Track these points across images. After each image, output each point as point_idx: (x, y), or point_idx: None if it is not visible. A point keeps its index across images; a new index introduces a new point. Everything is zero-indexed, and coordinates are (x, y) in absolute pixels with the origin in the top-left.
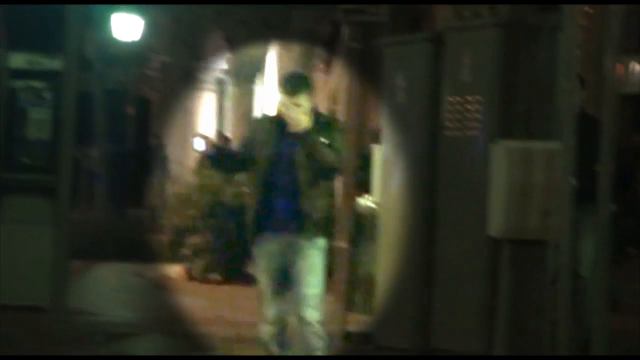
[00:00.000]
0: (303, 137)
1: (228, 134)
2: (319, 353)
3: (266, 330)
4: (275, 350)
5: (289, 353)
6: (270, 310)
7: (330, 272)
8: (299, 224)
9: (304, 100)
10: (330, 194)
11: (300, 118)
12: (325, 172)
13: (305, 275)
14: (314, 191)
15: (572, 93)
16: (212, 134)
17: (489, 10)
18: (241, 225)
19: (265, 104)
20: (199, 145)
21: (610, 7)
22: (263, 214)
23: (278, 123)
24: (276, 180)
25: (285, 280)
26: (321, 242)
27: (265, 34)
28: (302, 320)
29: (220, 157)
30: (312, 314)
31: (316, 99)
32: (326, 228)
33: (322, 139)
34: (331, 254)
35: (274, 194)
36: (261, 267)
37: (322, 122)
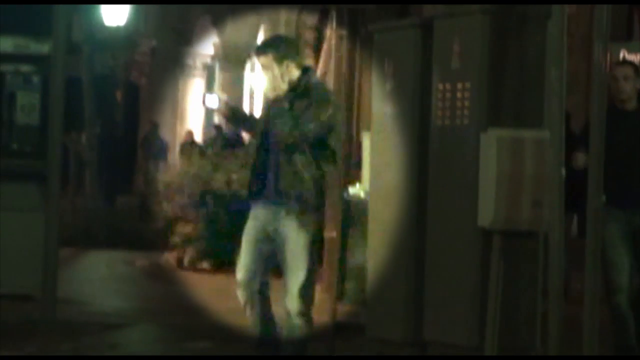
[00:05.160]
0: (272, 105)
1: (216, 120)
2: (294, 345)
3: (240, 296)
4: (250, 315)
5: (263, 319)
6: (240, 274)
7: (320, 260)
8: (279, 196)
9: (271, 61)
10: (319, 168)
11: (272, 83)
12: (291, 145)
13: (289, 259)
14: (294, 164)
15: (561, 81)
16: (201, 119)
17: None
18: (231, 213)
19: (255, 89)
20: (212, 102)
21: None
22: (256, 181)
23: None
24: (266, 149)
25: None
26: (305, 219)
27: (253, 19)
28: (285, 310)
29: (237, 113)
30: (294, 304)
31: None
32: (309, 203)
33: (291, 109)
34: (320, 241)
35: (266, 162)
36: (245, 231)
37: (301, 91)
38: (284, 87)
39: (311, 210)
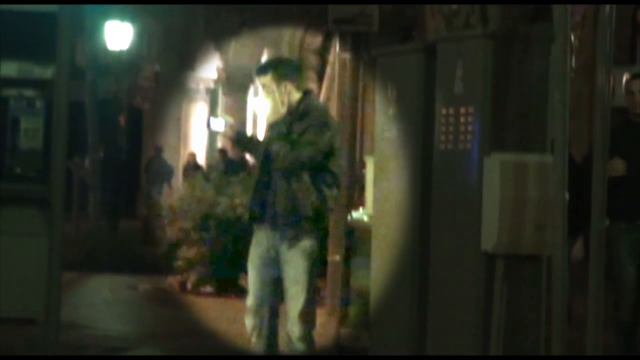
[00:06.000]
0: (271, 128)
1: (219, 144)
2: None
3: (248, 323)
4: (255, 343)
5: (269, 347)
6: (249, 300)
7: (323, 284)
8: (277, 220)
9: (270, 81)
10: (320, 192)
11: (271, 105)
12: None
13: (288, 284)
14: (292, 188)
15: (565, 105)
16: (205, 143)
17: (479, 12)
18: (235, 237)
19: (258, 113)
20: (218, 126)
21: (601, 19)
22: (257, 205)
23: None
24: (267, 173)
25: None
26: (305, 243)
27: (256, 44)
28: (287, 334)
29: (243, 137)
30: (294, 329)
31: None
32: (308, 228)
33: (289, 133)
34: (323, 263)
35: (266, 186)
36: (249, 256)
37: (300, 114)
38: (282, 110)
39: (310, 234)
